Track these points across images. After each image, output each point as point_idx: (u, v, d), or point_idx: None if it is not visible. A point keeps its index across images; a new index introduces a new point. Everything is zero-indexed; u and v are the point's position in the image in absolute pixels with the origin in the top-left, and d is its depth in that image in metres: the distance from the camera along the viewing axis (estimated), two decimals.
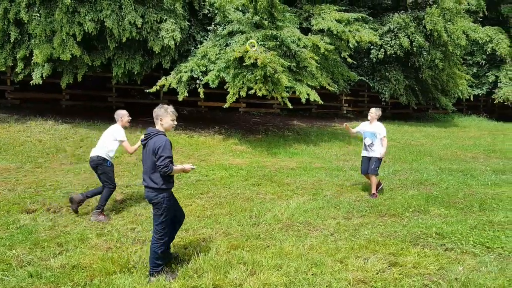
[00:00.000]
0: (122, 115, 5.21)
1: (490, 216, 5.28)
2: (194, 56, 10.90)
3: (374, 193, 6.26)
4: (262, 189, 6.49)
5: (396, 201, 6.03)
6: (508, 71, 21.08)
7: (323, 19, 12.28)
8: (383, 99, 17.15)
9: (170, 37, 9.75)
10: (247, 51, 8.91)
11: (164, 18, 9.98)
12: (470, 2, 17.95)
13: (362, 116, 17.91)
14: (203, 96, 10.69)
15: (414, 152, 11.10)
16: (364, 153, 6.44)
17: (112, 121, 5.39)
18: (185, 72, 10.36)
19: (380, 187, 6.50)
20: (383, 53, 15.41)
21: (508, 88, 20.73)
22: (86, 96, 12.64)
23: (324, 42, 11.42)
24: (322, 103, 11.27)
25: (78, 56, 9.35)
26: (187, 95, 10.51)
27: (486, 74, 22.17)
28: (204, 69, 10.51)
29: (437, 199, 6.23)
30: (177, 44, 10.07)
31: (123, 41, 9.53)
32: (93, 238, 4.32)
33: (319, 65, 11.21)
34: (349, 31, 12.18)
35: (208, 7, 11.42)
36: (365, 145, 6.45)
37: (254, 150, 9.92)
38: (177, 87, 10.45)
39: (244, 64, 9.34)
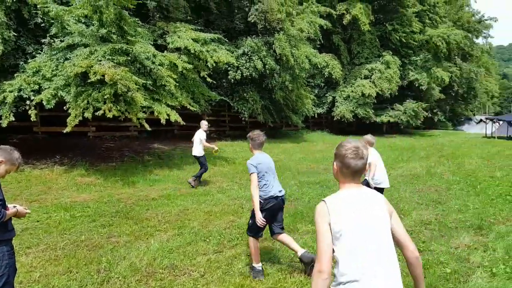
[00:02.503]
0: (203, 123, 9.09)
1: None
2: (23, 72, 8.97)
3: None
4: (115, 231, 5.34)
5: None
6: (342, 92, 24.51)
7: (179, 37, 11.78)
8: (243, 118, 17.57)
9: None
10: (92, 66, 7.64)
11: None
12: (309, 31, 20.18)
13: (224, 135, 17.97)
14: (35, 119, 8.81)
15: (276, 168, 11.38)
16: None
17: None
18: (10, 91, 8.39)
19: None
20: (240, 75, 15.80)
21: (343, 107, 24.07)
22: None
23: (182, 60, 10.88)
24: (184, 123, 10.64)
25: None
26: (13, 119, 8.48)
27: (326, 95, 25.38)
28: (36, 87, 8.71)
29: (302, 214, 6.25)
30: None
31: None
32: None
33: (178, 84, 10.60)
34: (207, 51, 11.99)
35: (41, 16, 9.60)
36: None
37: (106, 181, 8.52)
38: None
39: (89, 80, 8.01)
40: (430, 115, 31.09)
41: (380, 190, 5.75)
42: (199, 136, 8.75)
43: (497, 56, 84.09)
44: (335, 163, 1.95)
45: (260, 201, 3.89)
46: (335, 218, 1.80)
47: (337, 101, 24.66)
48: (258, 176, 3.94)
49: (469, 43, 32.39)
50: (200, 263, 4.22)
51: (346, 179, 1.91)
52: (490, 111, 51.40)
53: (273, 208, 3.97)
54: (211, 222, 5.86)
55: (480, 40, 46.85)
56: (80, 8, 9.18)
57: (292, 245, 3.99)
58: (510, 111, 48.54)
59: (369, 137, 6.05)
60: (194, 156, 8.92)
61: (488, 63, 50.67)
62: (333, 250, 1.79)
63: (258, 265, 3.93)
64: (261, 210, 3.87)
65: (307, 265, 3.83)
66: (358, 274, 1.71)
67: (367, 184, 5.79)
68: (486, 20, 43.21)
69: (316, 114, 24.03)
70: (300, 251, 3.93)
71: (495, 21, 42.93)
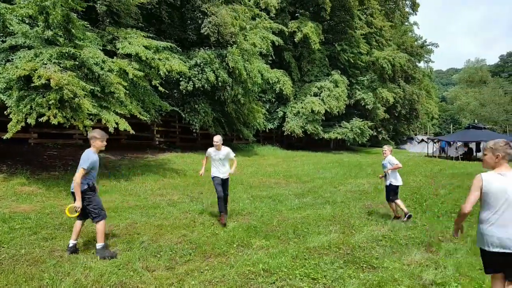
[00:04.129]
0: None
1: (305, 242, 5.58)
2: None
3: (395, 216, 7.14)
4: (58, 244, 5.01)
5: (219, 237, 5.71)
6: (292, 108, 25.21)
7: (130, 44, 11.49)
8: (194, 130, 17.38)
9: None
10: (36, 69, 7.20)
11: None
12: (262, 46, 20.62)
13: (174, 147, 17.62)
14: None
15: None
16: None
17: None
18: None
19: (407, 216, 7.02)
20: (192, 86, 15.68)
21: (293, 122, 24.73)
22: None
23: (132, 67, 10.60)
24: (134, 133, 10.31)
25: None
26: None
27: (276, 110, 25.93)
28: None
29: (256, 229, 6.27)
30: None
31: None
32: None
33: (128, 92, 10.28)
34: (159, 59, 11.79)
35: None
36: None
37: (49, 191, 7.98)
38: None
39: (33, 84, 7.53)
40: (375, 133, 32.98)
41: (396, 187, 7.15)
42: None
43: (437, 80, 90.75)
44: (498, 154, 3.05)
45: None
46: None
47: (287, 117, 25.29)
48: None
49: (412, 66, 35.10)
50: (150, 280, 4.09)
51: (504, 162, 3.06)
52: (430, 132, 55.69)
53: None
54: (161, 236, 5.70)
55: (422, 64, 51.17)
56: (24, 7, 8.67)
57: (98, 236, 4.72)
58: (449, 132, 52.80)
59: (388, 147, 7.46)
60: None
61: (429, 86, 55.10)
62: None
63: (72, 241, 4.72)
64: None
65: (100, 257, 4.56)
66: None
67: (389, 186, 7.14)
68: (428, 45, 47.24)
69: (267, 129, 24.45)
70: (99, 245, 4.66)
71: (436, 46, 47.21)
